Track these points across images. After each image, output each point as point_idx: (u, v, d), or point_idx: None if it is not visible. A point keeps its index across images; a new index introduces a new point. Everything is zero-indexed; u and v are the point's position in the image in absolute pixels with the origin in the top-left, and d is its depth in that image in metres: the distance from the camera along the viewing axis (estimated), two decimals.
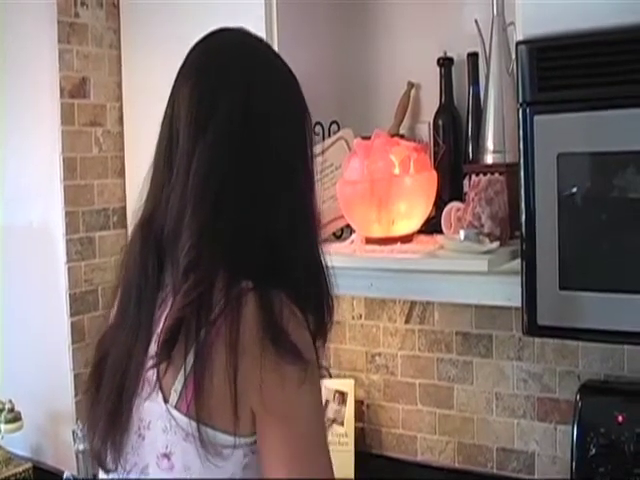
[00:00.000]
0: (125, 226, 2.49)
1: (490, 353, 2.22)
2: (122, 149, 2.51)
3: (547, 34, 1.64)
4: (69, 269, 2.39)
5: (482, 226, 1.82)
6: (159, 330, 1.20)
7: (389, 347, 2.39)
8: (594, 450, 1.95)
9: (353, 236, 2.04)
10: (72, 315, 2.39)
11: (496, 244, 1.77)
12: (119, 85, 2.50)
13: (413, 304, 2.33)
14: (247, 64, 1.28)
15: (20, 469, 2.42)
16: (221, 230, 1.21)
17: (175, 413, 1.17)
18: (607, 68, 1.60)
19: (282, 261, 1.23)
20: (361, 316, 2.44)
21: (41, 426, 2.46)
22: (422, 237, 1.99)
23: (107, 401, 1.24)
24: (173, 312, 1.18)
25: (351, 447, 2.31)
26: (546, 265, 1.69)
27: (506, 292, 1.82)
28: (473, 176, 1.92)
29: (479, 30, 2.01)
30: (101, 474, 1.30)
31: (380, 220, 1.92)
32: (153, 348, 1.20)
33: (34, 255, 2.46)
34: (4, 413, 2.38)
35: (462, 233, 1.79)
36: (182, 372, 1.16)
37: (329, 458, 1.20)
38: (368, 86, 2.35)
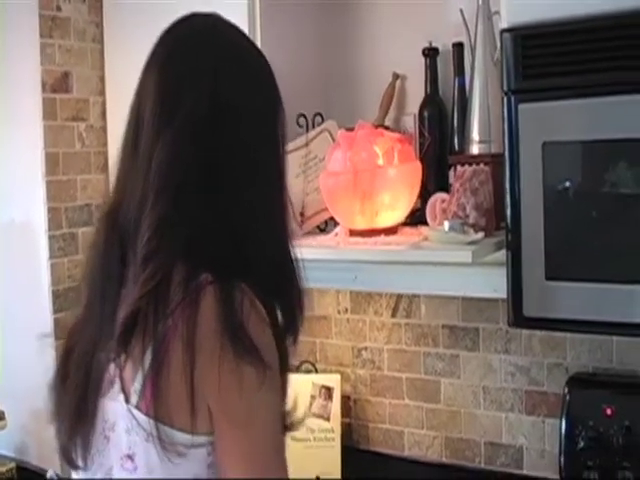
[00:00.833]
0: None
1: (477, 346, 2.20)
2: (105, 144, 2.48)
3: (532, 22, 1.63)
4: (52, 265, 2.37)
5: (467, 217, 1.80)
6: None
7: (375, 341, 2.37)
8: (583, 443, 1.93)
9: (337, 229, 2.01)
10: (55, 312, 2.36)
11: (481, 234, 1.74)
12: (102, 79, 2.47)
13: (399, 298, 2.31)
14: (216, 51, 1.25)
15: (4, 469, 2.39)
16: (181, 221, 1.18)
17: (136, 413, 1.14)
18: (591, 55, 1.59)
19: (245, 255, 1.20)
20: (347, 310, 2.42)
21: (25, 425, 2.43)
22: (407, 229, 1.97)
23: (73, 397, 1.22)
24: (129, 303, 1.16)
25: (338, 442, 2.29)
26: (532, 255, 1.67)
27: (492, 283, 1.80)
28: (458, 167, 1.90)
29: (464, 19, 2.01)
30: (73, 474, 1.28)
31: (364, 212, 1.90)
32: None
33: (16, 252, 2.43)
34: None
35: (447, 224, 1.77)
36: (141, 371, 1.14)
37: (284, 461, 1.18)
38: (353, 77, 2.33)
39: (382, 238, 1.90)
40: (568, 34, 1.61)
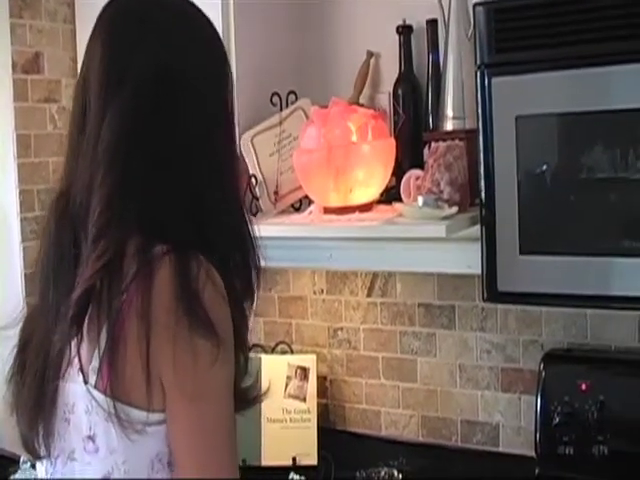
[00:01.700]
0: None
1: (453, 324, 2.20)
2: None
3: None
4: (24, 249, 2.34)
5: (441, 192, 1.79)
6: None
7: (351, 321, 2.36)
8: (558, 419, 1.94)
9: (311, 207, 2.00)
10: (28, 295, 2.33)
11: (455, 209, 1.74)
12: (74, 60, 2.44)
13: (375, 276, 2.30)
14: (162, 18, 1.22)
15: None
16: (132, 192, 1.15)
17: (95, 393, 1.13)
18: (564, 28, 1.59)
19: (200, 224, 1.18)
20: (323, 291, 2.40)
21: None
22: (381, 206, 1.96)
23: (31, 386, 1.20)
24: (80, 283, 1.13)
25: (314, 423, 2.27)
26: (506, 230, 1.67)
27: (466, 259, 1.80)
28: (432, 143, 1.90)
29: None
30: (37, 464, 1.27)
31: (338, 188, 1.88)
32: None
33: None
34: None
35: (420, 199, 1.76)
36: (97, 349, 1.12)
37: (234, 438, 1.16)
38: (327, 56, 2.30)
39: (356, 215, 1.89)
40: (540, 7, 1.61)
